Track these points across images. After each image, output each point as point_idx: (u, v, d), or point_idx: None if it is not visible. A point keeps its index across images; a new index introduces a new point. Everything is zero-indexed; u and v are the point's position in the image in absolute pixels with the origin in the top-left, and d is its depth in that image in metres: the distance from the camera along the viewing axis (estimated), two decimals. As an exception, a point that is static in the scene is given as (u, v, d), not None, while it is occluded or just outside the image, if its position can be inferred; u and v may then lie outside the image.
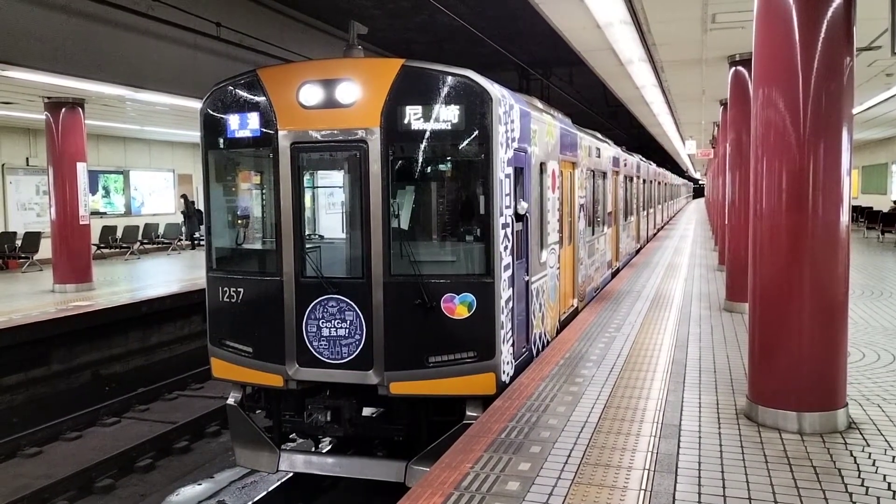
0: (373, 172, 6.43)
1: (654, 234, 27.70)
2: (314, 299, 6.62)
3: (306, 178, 7.18)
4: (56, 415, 10.21)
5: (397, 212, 6.61)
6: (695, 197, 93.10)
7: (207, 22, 12.04)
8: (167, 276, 17.29)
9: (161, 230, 23.54)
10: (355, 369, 6.54)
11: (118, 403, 10.96)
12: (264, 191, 7.17)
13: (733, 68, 10.99)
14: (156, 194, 25.06)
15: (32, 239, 18.10)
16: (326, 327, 6.59)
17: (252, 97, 6.80)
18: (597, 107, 25.40)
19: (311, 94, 6.54)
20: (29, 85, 12.00)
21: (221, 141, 7.05)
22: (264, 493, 7.78)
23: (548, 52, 17.62)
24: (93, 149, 19.18)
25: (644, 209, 23.14)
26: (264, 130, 6.74)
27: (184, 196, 24.23)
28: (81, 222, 14.69)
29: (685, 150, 31.32)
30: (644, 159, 24.80)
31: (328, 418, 6.69)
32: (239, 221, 7.57)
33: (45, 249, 16.57)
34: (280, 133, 6.66)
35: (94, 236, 18.32)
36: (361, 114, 6.44)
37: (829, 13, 5.16)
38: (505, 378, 6.57)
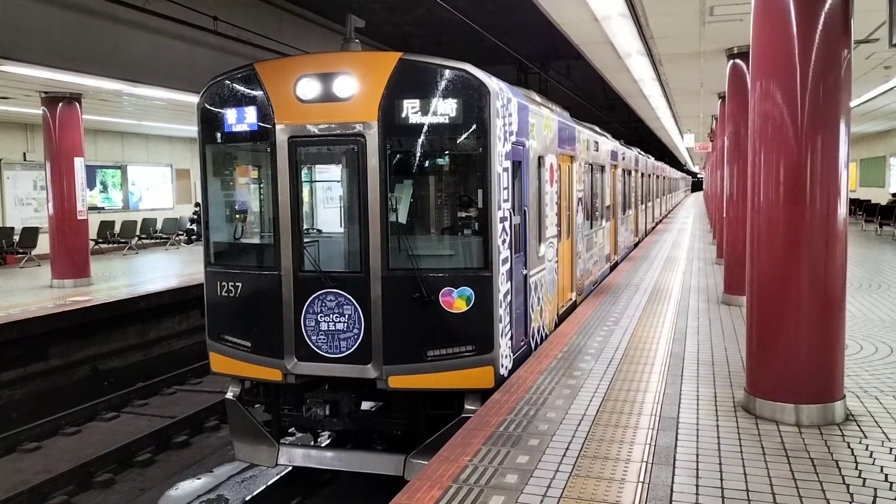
0: (370, 166, 6.42)
1: (653, 228, 27.71)
2: (312, 293, 6.61)
3: (304, 172, 7.16)
4: (55, 410, 10.21)
5: (395, 206, 6.60)
6: (693, 190, 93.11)
7: (205, 16, 12.01)
8: (165, 270, 17.28)
9: (159, 225, 23.51)
10: (354, 363, 6.54)
11: (117, 398, 10.96)
12: (262, 185, 7.15)
13: (731, 61, 10.97)
14: (154, 189, 25.02)
15: (30, 234, 18.07)
16: (325, 321, 6.59)
17: (249, 91, 6.77)
18: (595, 100, 25.38)
19: (308, 88, 6.51)
20: (26, 79, 11.96)
21: (219, 135, 7.02)
22: (263, 487, 7.79)
23: (546, 46, 17.62)
24: (90, 144, 19.14)
25: (642, 203, 23.14)
26: (261, 124, 6.72)
27: (198, 204, 24.44)
28: (79, 217, 14.66)
29: (683, 143, 31.34)
30: (642, 153, 24.79)
31: (327, 412, 6.68)
32: (237, 216, 7.56)
33: (43, 245, 16.54)
34: (277, 127, 6.64)
35: (92, 231, 18.30)
36: (359, 107, 6.42)
37: (827, 5, 5.15)
38: (503, 372, 6.58)
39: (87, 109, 15.01)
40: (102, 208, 22.48)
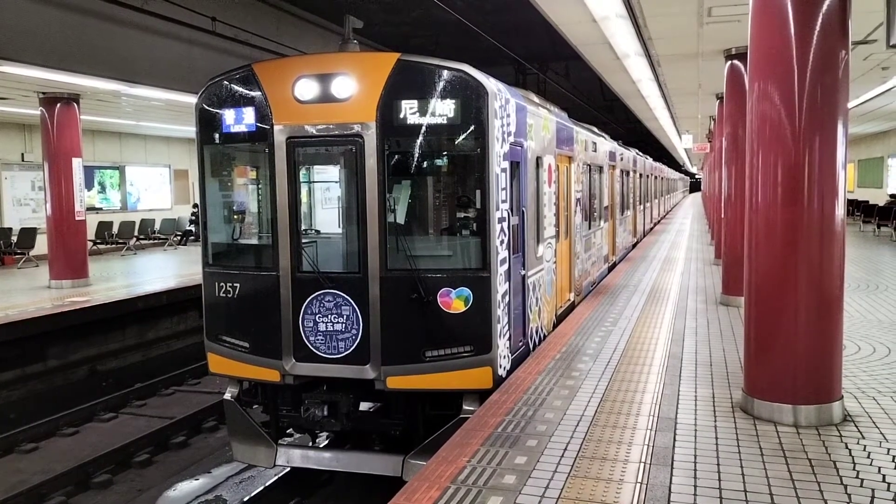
0: (369, 167, 6.42)
1: (651, 229, 27.72)
2: (311, 294, 6.61)
3: (302, 172, 7.16)
4: (53, 410, 10.20)
5: (393, 206, 6.61)
6: (691, 191, 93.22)
7: (203, 17, 12.01)
8: (163, 271, 17.27)
9: (157, 226, 23.49)
10: (352, 364, 6.54)
11: (115, 399, 10.96)
12: (260, 186, 7.15)
13: (729, 62, 10.98)
14: (152, 190, 24.99)
15: (28, 235, 18.05)
16: (323, 322, 6.59)
17: (247, 92, 6.77)
18: (593, 101, 25.39)
19: (306, 89, 6.51)
20: (24, 80, 11.95)
21: (217, 136, 7.01)
22: (262, 487, 7.78)
23: (544, 47, 17.61)
24: (88, 144, 19.10)
25: (641, 203, 23.15)
26: (260, 125, 6.71)
27: (196, 205, 24.44)
28: (77, 218, 14.65)
29: (682, 144, 31.34)
30: (641, 153, 24.80)
31: (325, 413, 6.68)
32: (235, 217, 7.55)
33: (41, 245, 16.53)
34: (276, 128, 6.63)
35: (90, 232, 18.27)
36: (357, 108, 6.42)
37: (825, 7, 5.16)
38: (501, 372, 6.58)
39: (86, 110, 15.01)
40: (100, 209, 22.46)
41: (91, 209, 19.70)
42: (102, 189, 23.03)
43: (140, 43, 11.89)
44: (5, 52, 9.87)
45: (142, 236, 22.51)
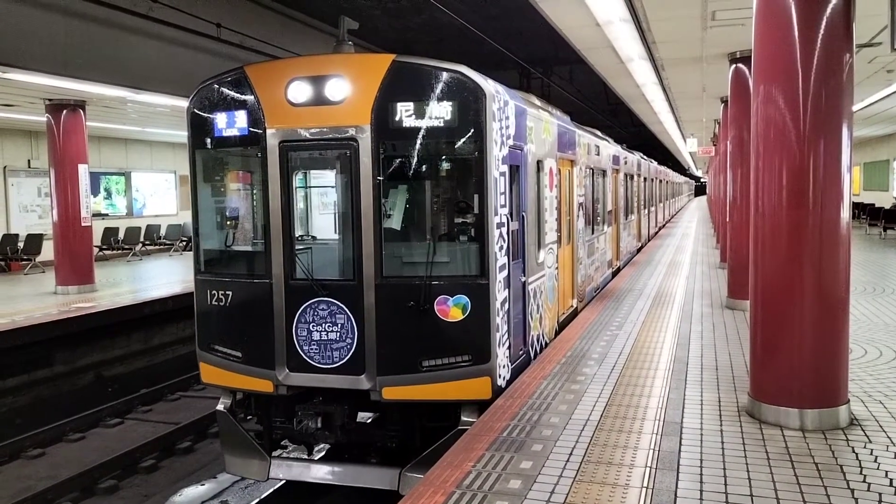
0: (363, 171, 6.26)
1: (656, 233, 27.67)
2: (304, 302, 6.44)
3: (298, 178, 7.07)
4: (59, 416, 10.22)
5: (389, 212, 6.51)
6: (696, 195, 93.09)
7: (207, 23, 12.06)
8: (169, 277, 17.30)
9: (163, 231, 23.55)
10: (347, 374, 6.36)
11: (121, 404, 10.97)
12: (253, 191, 6.99)
13: (733, 65, 10.98)
14: (157, 195, 25.05)
15: (34, 241, 18.11)
16: (317, 331, 6.42)
17: (239, 95, 6.62)
18: (597, 105, 25.39)
19: (299, 92, 6.36)
20: (30, 87, 12.02)
21: (209, 140, 6.85)
22: (267, 493, 7.78)
23: (548, 51, 17.64)
24: (94, 150, 19.19)
25: (645, 207, 23.10)
26: (252, 129, 6.56)
27: None
28: (83, 224, 14.70)
29: (686, 147, 31.33)
30: (645, 157, 24.77)
31: (319, 424, 6.48)
32: (228, 223, 7.31)
33: (48, 251, 16.59)
34: (268, 131, 6.48)
35: (96, 238, 18.33)
36: (352, 111, 6.28)
37: (829, 10, 5.15)
38: (501, 382, 6.42)
39: (91, 116, 15.07)
40: (106, 215, 22.50)
41: (97, 215, 19.74)
42: (108, 195, 23.09)
43: (145, 49, 11.94)
44: (11, 59, 9.92)
45: (147, 242, 22.57)
